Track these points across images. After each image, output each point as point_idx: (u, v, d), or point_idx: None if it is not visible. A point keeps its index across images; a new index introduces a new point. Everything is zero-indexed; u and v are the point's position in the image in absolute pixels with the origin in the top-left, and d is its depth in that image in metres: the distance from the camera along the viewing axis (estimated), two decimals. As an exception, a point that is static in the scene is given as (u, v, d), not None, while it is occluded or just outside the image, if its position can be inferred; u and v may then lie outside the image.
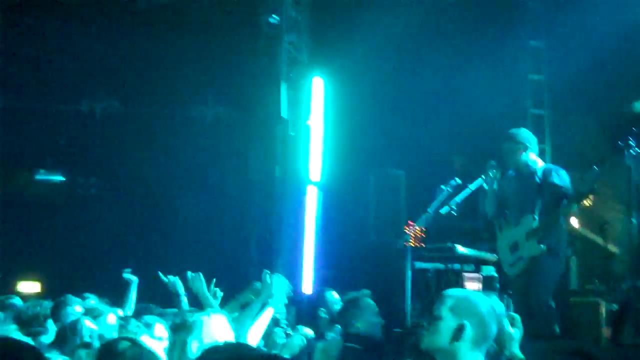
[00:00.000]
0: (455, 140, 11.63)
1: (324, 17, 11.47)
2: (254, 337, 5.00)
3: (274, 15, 11.00)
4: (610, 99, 10.78)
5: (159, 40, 10.72)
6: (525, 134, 7.99)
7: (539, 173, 7.71)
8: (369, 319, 5.47)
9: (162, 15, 10.82)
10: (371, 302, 5.67)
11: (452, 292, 4.02)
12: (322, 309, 6.79)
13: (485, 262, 8.89)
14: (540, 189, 7.54)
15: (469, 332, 3.74)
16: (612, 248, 9.10)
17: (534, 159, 7.87)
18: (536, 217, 7.49)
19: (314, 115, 10.53)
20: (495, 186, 7.94)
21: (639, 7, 10.43)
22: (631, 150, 5.61)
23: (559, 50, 11.98)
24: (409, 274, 8.68)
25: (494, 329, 3.86)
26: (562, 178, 7.58)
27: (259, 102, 10.70)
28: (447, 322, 3.78)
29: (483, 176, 8.05)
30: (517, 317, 4.00)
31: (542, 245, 7.37)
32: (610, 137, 9.77)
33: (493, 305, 3.92)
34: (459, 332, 3.74)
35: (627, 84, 10.45)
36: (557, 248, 7.54)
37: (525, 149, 7.82)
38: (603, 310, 8.84)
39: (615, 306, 8.44)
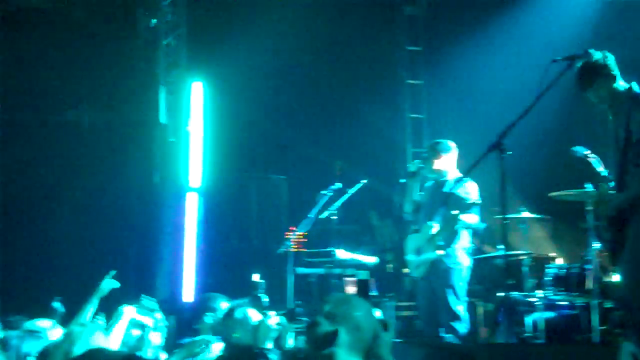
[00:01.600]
0: (336, 144, 11.74)
1: (202, 21, 11.35)
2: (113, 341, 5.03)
3: (151, 19, 10.84)
4: (490, 102, 11.09)
5: (32, 43, 10.37)
6: (444, 145, 8.16)
7: (449, 183, 7.96)
8: (246, 328, 5.41)
9: (36, 18, 10.48)
10: (246, 312, 5.61)
11: (329, 297, 4.02)
12: (208, 314, 6.68)
13: (365, 267, 9.01)
14: (446, 198, 7.78)
15: (343, 337, 3.75)
16: (489, 250, 9.32)
17: (449, 170, 8.06)
18: (438, 224, 7.73)
19: (193, 120, 10.39)
20: (417, 185, 8.16)
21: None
22: (503, 154, 5.69)
23: (436, 55, 12.25)
24: (291, 279, 8.71)
25: (369, 334, 3.88)
26: (466, 188, 7.81)
27: (137, 107, 10.49)
28: (324, 329, 3.79)
29: (363, 181, 8.22)
30: (390, 321, 4.02)
31: (439, 251, 7.65)
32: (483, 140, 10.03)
33: (369, 310, 3.94)
34: (330, 338, 3.75)
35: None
36: (456, 255, 7.78)
37: (439, 157, 8.03)
38: (480, 310, 9.08)
39: (490, 306, 8.69)
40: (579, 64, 5.79)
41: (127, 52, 10.77)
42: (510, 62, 11.03)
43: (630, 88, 5.82)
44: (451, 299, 7.68)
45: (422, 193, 8.19)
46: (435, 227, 7.72)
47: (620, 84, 5.85)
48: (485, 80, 11.26)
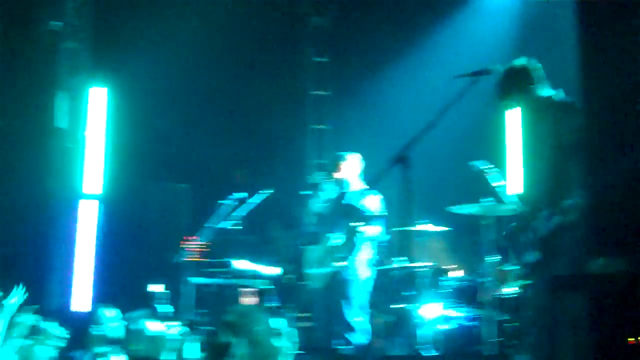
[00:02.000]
0: (240, 153, 11.65)
1: (107, 25, 11.13)
2: None
3: (54, 22, 10.57)
4: (396, 115, 11.17)
5: None
6: (342, 157, 8.25)
7: (351, 194, 8.06)
8: (144, 339, 5.30)
9: None
10: (144, 323, 5.49)
11: (232, 308, 4.00)
12: (93, 326, 6.50)
13: (264, 277, 8.96)
14: (349, 210, 7.82)
15: (241, 349, 3.72)
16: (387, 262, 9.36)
17: (351, 181, 8.11)
18: (339, 237, 7.83)
19: (91, 125, 10.16)
20: (320, 197, 8.26)
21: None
22: (408, 167, 5.70)
23: (342, 67, 12.30)
24: (187, 289, 8.58)
25: (266, 349, 3.86)
26: (368, 200, 7.88)
27: (34, 112, 10.19)
28: (222, 339, 3.77)
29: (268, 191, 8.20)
30: (293, 331, 4.00)
31: (338, 263, 7.73)
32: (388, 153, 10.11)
33: (269, 324, 3.91)
34: (225, 348, 3.73)
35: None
36: (358, 267, 7.86)
37: (339, 169, 8.14)
38: (377, 322, 9.12)
39: (388, 318, 8.75)
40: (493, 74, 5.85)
41: (28, 56, 10.45)
42: (416, 76, 11.14)
43: (555, 93, 5.91)
44: (347, 310, 7.69)
45: (325, 205, 8.20)
46: (336, 240, 7.74)
47: (545, 91, 5.95)
48: (391, 93, 11.36)
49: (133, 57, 10.67)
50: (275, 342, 3.99)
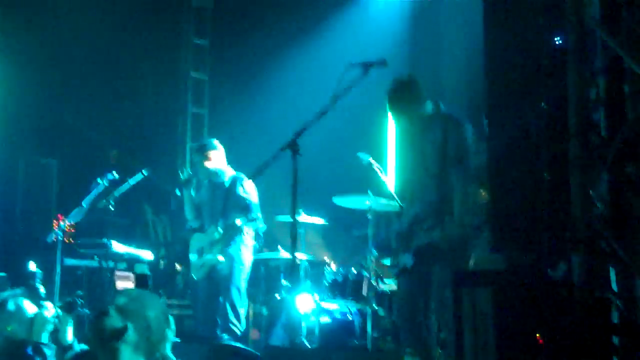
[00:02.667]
0: (115, 132, 11.29)
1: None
2: None
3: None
4: (267, 97, 11.10)
5: None
6: (210, 145, 8.01)
7: (226, 183, 7.97)
8: (21, 321, 4.99)
9: None
10: (21, 304, 5.18)
11: (125, 291, 3.82)
12: None
13: (140, 260, 8.68)
14: (226, 198, 7.70)
15: (131, 335, 3.56)
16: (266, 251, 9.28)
17: (223, 169, 7.93)
18: (220, 228, 7.72)
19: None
20: (192, 193, 8.07)
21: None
22: (297, 154, 5.64)
23: (223, 50, 12.11)
24: (58, 270, 8.22)
25: (158, 335, 3.70)
26: (245, 188, 7.74)
27: None
28: (113, 322, 3.58)
29: (144, 172, 7.99)
30: (171, 318, 3.84)
31: (219, 256, 7.68)
32: (269, 139, 10.03)
33: (163, 310, 3.75)
34: (119, 333, 3.56)
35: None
36: (239, 257, 7.79)
37: (209, 159, 8.00)
38: (252, 312, 9.04)
39: (264, 309, 8.69)
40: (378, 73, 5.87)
41: None
42: (298, 62, 11.09)
43: (438, 107, 6.03)
44: (229, 300, 7.59)
45: (200, 194, 8.06)
46: (216, 229, 7.67)
47: (427, 104, 6.07)
48: (272, 79, 11.26)
49: (5, 26, 10.15)
50: (167, 329, 3.81)
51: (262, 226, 8.11)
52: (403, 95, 6.08)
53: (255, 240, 8.20)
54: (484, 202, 6.12)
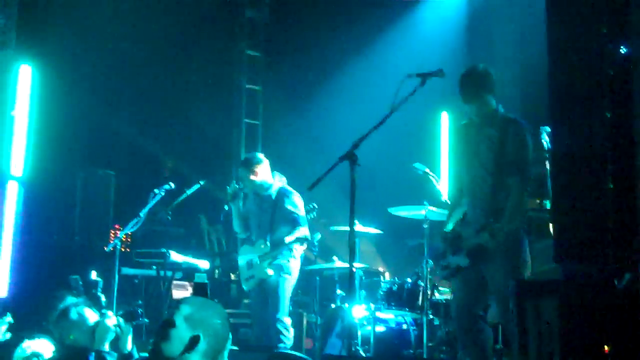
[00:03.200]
0: (170, 143, 11.43)
1: (35, 2, 10.72)
2: None
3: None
4: (320, 109, 11.14)
5: None
6: (256, 159, 8.02)
7: (273, 196, 7.94)
8: (82, 329, 5.07)
9: None
10: (83, 312, 5.25)
11: (188, 299, 3.82)
12: None
13: (197, 270, 8.76)
14: (273, 212, 7.71)
15: (202, 344, 3.57)
16: (321, 262, 9.31)
17: (269, 181, 7.96)
18: (268, 241, 7.73)
19: (19, 105, 9.73)
20: (240, 205, 8.08)
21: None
22: (355, 165, 5.67)
23: (276, 62, 12.20)
24: (117, 279, 8.33)
25: (224, 342, 3.73)
26: (292, 201, 7.76)
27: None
28: (181, 332, 3.59)
29: (201, 182, 8.04)
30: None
31: (269, 271, 7.65)
32: (322, 150, 10.09)
33: (227, 317, 3.78)
34: (192, 343, 3.56)
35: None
36: (288, 269, 7.75)
37: (255, 173, 7.94)
38: (305, 321, 9.07)
39: (319, 319, 8.70)
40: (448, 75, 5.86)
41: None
42: (349, 73, 11.14)
43: (499, 109, 6.01)
44: (276, 310, 7.60)
45: (247, 206, 8.07)
46: (265, 243, 7.74)
47: (492, 100, 6.03)
48: (325, 90, 11.32)
49: (61, 36, 10.33)
50: (228, 337, 3.85)
51: (311, 237, 8.13)
52: (474, 80, 5.99)
53: (310, 249, 8.22)
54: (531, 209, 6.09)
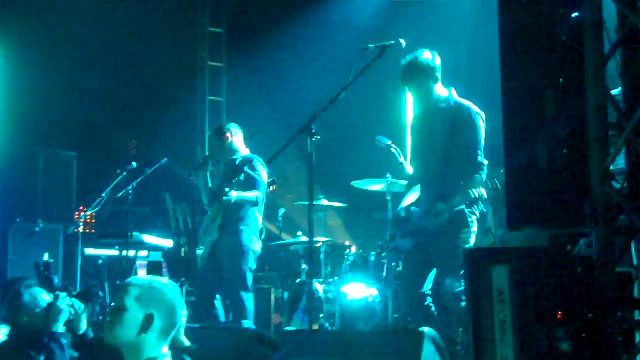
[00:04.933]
0: (133, 123, 11.32)
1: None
2: None
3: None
4: (288, 83, 11.09)
5: None
6: (229, 125, 7.91)
7: (237, 161, 7.68)
8: (35, 311, 5.00)
9: None
10: (36, 294, 5.16)
11: (135, 280, 3.76)
12: None
13: (160, 249, 8.70)
14: (232, 175, 7.50)
15: (157, 322, 3.53)
16: (286, 237, 9.29)
17: (239, 149, 7.80)
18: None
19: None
20: (209, 177, 7.74)
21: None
22: (313, 138, 5.64)
23: (238, 38, 12.14)
24: (79, 260, 8.29)
25: (180, 317, 3.69)
26: (254, 168, 7.58)
27: None
28: (133, 313, 3.54)
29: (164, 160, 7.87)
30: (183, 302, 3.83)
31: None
32: (286, 126, 10.04)
33: (179, 291, 3.74)
34: (147, 322, 3.52)
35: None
36: (244, 238, 7.46)
37: (226, 138, 7.75)
38: (272, 297, 9.06)
39: (285, 293, 8.68)
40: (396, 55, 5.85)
41: None
42: (313, 49, 11.07)
43: (451, 95, 6.04)
44: (235, 284, 7.43)
45: (215, 180, 7.91)
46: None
47: (440, 87, 6.05)
48: (286, 65, 11.26)
49: (26, 18, 10.21)
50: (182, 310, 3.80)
51: (260, 197, 7.96)
52: (417, 71, 6.00)
53: (275, 224, 8.13)
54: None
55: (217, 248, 7.46)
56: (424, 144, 6.19)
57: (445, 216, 5.76)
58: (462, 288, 5.45)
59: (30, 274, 6.75)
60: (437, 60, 6.05)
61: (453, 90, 6.10)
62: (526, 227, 4.02)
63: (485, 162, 5.91)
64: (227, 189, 7.20)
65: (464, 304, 5.35)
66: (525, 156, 4.04)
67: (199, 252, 7.73)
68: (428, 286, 5.98)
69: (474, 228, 5.90)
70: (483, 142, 5.91)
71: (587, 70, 3.94)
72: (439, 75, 6.04)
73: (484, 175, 5.89)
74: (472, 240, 5.89)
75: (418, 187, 6.25)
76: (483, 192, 5.91)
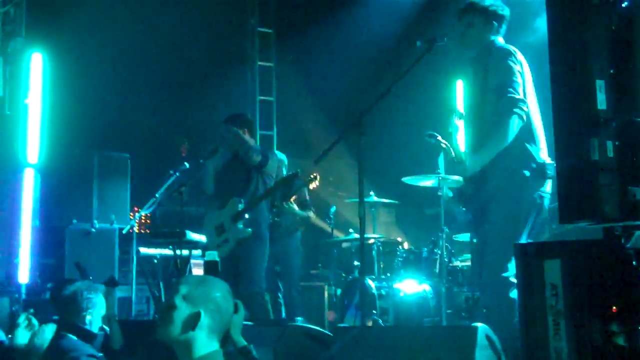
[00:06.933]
0: (184, 124, 11.45)
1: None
2: None
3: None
4: (337, 81, 11.11)
5: None
6: (248, 118, 7.90)
7: (259, 158, 7.49)
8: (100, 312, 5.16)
9: None
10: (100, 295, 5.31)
11: (185, 279, 3.80)
12: None
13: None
14: (249, 172, 7.47)
15: (204, 320, 3.57)
16: (338, 234, 9.32)
17: (251, 142, 7.77)
18: (242, 200, 7.37)
19: (32, 93, 9.77)
20: (214, 166, 7.72)
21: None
22: (362, 136, 5.62)
23: (287, 38, 12.18)
24: (134, 259, 8.41)
25: (229, 315, 3.72)
26: (270, 162, 7.51)
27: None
28: (182, 312, 3.59)
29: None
30: (239, 302, 3.86)
31: (248, 229, 7.26)
32: (335, 124, 10.07)
33: (228, 290, 3.77)
34: (194, 320, 3.57)
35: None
36: (261, 232, 7.41)
37: (246, 132, 7.63)
38: (326, 294, 9.09)
39: (339, 291, 8.69)
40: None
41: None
42: (360, 46, 11.08)
43: (493, 41, 5.73)
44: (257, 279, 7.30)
45: (222, 166, 7.84)
46: (241, 204, 7.34)
47: (493, 36, 5.73)
48: (334, 62, 11.29)
49: (71, 21, 10.34)
50: (233, 309, 3.83)
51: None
52: (475, 11, 5.71)
53: (327, 222, 8.16)
54: None
55: (243, 246, 7.33)
56: (468, 106, 5.89)
57: (477, 164, 5.41)
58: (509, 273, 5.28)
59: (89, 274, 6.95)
60: (503, 9, 5.75)
61: (496, 39, 5.75)
62: (579, 221, 3.97)
63: (520, 96, 5.39)
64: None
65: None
66: (577, 149, 3.99)
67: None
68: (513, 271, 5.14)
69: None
70: (518, 79, 5.42)
71: (638, 61, 3.88)
72: (495, 22, 5.71)
73: (520, 111, 5.36)
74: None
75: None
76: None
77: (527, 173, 5.39)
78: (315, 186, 7.71)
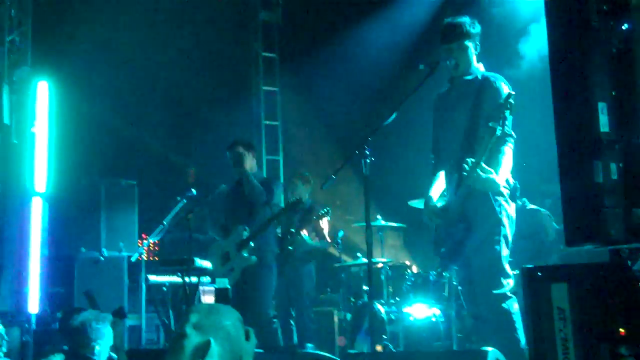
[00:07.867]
0: (190, 150, 11.49)
1: (48, 18, 10.82)
2: None
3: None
4: (341, 105, 11.13)
5: None
6: (252, 144, 7.94)
7: (259, 184, 7.61)
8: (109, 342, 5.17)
9: None
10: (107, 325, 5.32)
11: (195, 307, 3.79)
12: None
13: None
14: (256, 200, 7.50)
15: (214, 348, 3.56)
16: (346, 258, 9.30)
17: (254, 169, 7.82)
18: (247, 227, 7.43)
19: (39, 121, 9.82)
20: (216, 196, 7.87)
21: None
22: (367, 159, 5.63)
23: (291, 62, 12.23)
24: (143, 286, 8.40)
25: (240, 343, 3.71)
26: (276, 193, 7.61)
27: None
28: (192, 340, 3.58)
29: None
30: (251, 330, 3.84)
31: (253, 257, 7.33)
32: (343, 146, 10.08)
33: (238, 318, 3.75)
34: (204, 349, 3.55)
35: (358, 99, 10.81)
36: (267, 259, 7.49)
37: (253, 156, 7.77)
38: (335, 319, 9.06)
39: (348, 315, 8.66)
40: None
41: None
42: (363, 71, 11.11)
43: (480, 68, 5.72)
44: (264, 306, 7.40)
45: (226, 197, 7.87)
46: (245, 231, 7.43)
47: (475, 60, 5.74)
48: (339, 88, 11.31)
49: (76, 50, 10.42)
50: (245, 337, 3.81)
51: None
52: (462, 34, 5.64)
53: (334, 246, 8.16)
54: None
55: (249, 274, 7.40)
56: (445, 120, 5.83)
57: (478, 171, 5.26)
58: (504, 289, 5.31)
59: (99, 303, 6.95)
60: (478, 31, 5.72)
61: (481, 65, 5.74)
62: (585, 244, 3.97)
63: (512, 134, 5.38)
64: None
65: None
66: (581, 171, 3.99)
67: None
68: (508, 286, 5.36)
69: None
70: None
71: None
72: (478, 45, 5.71)
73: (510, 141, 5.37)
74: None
75: (442, 174, 5.92)
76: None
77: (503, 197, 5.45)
78: (326, 222, 7.79)
